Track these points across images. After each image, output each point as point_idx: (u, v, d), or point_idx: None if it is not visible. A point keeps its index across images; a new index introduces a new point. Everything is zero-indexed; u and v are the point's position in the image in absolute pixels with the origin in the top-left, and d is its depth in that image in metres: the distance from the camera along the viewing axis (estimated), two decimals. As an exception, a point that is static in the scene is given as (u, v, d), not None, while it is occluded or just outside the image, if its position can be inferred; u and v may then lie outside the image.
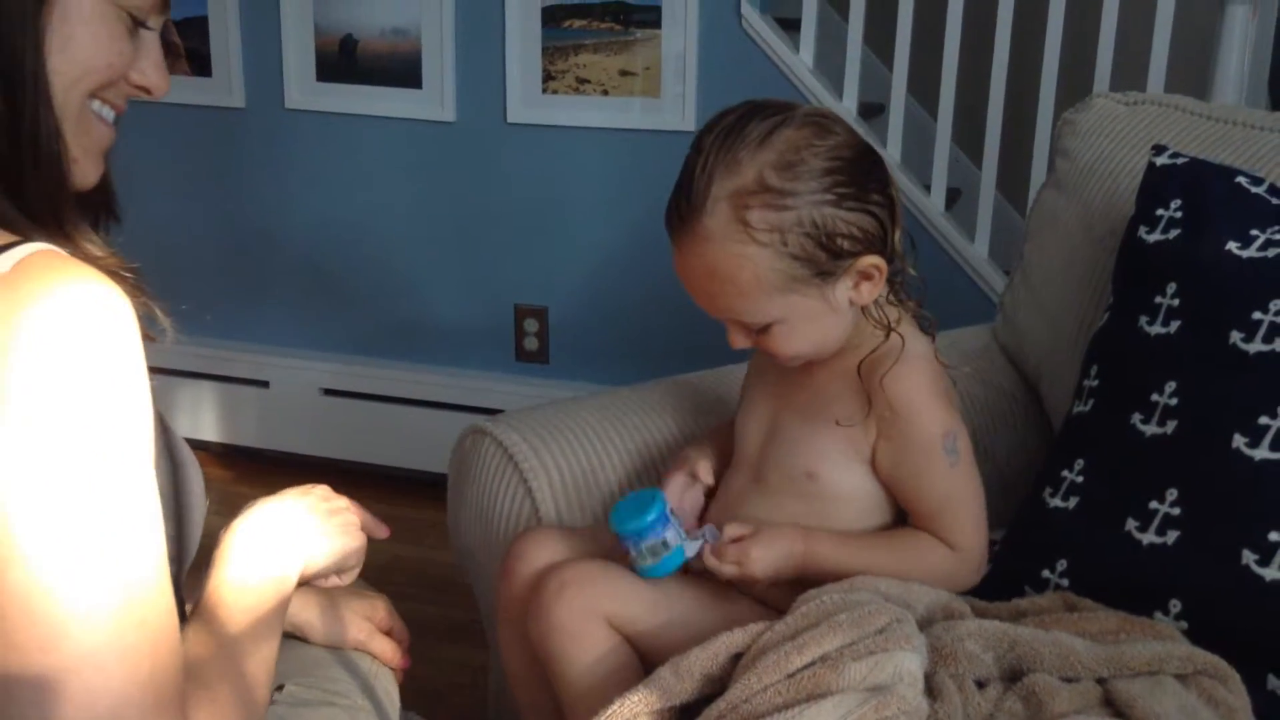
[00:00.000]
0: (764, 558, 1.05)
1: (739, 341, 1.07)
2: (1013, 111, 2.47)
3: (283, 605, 0.90)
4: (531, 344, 2.83)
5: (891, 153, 2.55)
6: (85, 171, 0.82)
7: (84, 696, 0.66)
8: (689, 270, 1.04)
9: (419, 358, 2.87)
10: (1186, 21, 2.39)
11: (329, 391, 2.91)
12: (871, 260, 1.04)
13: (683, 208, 1.02)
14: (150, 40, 0.83)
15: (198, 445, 3.04)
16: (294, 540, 0.93)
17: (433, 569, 2.53)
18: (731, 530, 1.07)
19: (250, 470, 2.99)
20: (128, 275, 0.80)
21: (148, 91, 0.84)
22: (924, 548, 1.08)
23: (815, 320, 1.06)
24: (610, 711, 0.94)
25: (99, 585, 0.67)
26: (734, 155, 1.00)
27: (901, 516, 1.13)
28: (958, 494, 1.09)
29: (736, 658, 0.95)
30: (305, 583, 0.98)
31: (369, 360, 2.90)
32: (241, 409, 2.98)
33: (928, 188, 2.55)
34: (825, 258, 1.02)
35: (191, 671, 0.77)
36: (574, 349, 2.79)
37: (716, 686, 0.94)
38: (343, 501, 1.02)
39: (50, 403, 0.66)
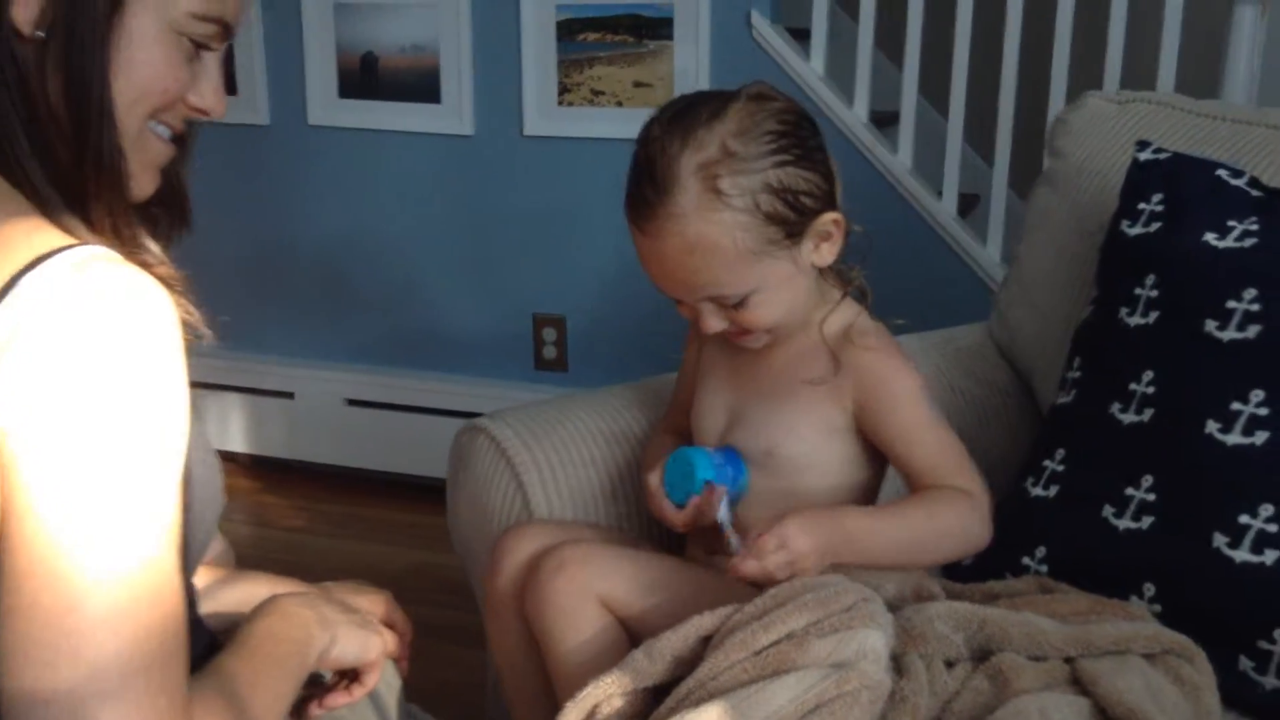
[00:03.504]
0: (807, 543, 1.00)
1: (713, 325, 1.09)
2: (1026, 115, 2.48)
3: (303, 666, 0.92)
4: (550, 353, 2.86)
5: (903, 159, 2.57)
6: (141, 185, 0.86)
7: (97, 659, 0.69)
8: (664, 255, 1.05)
9: (440, 367, 2.92)
10: (1197, 21, 2.39)
11: (353, 402, 2.96)
12: (832, 216, 1.08)
13: (649, 193, 1.04)
14: (210, 65, 0.87)
15: (225, 457, 3.07)
16: (322, 618, 0.95)
17: (452, 574, 2.56)
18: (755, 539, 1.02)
19: (277, 481, 3.04)
20: (176, 284, 0.84)
21: (205, 114, 0.88)
22: (949, 497, 1.07)
23: (788, 284, 1.08)
24: (584, 694, 0.96)
25: (118, 555, 0.71)
26: (692, 132, 1.03)
27: (871, 486, 1.15)
28: (950, 441, 1.10)
29: (707, 640, 0.97)
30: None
31: (391, 370, 2.95)
32: (267, 420, 3.04)
33: (941, 194, 2.57)
34: (794, 216, 1.05)
35: (201, 682, 0.80)
36: (592, 357, 2.83)
37: (687, 668, 0.95)
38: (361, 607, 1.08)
39: (91, 387, 0.70)
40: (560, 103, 2.71)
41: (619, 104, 2.67)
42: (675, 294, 1.09)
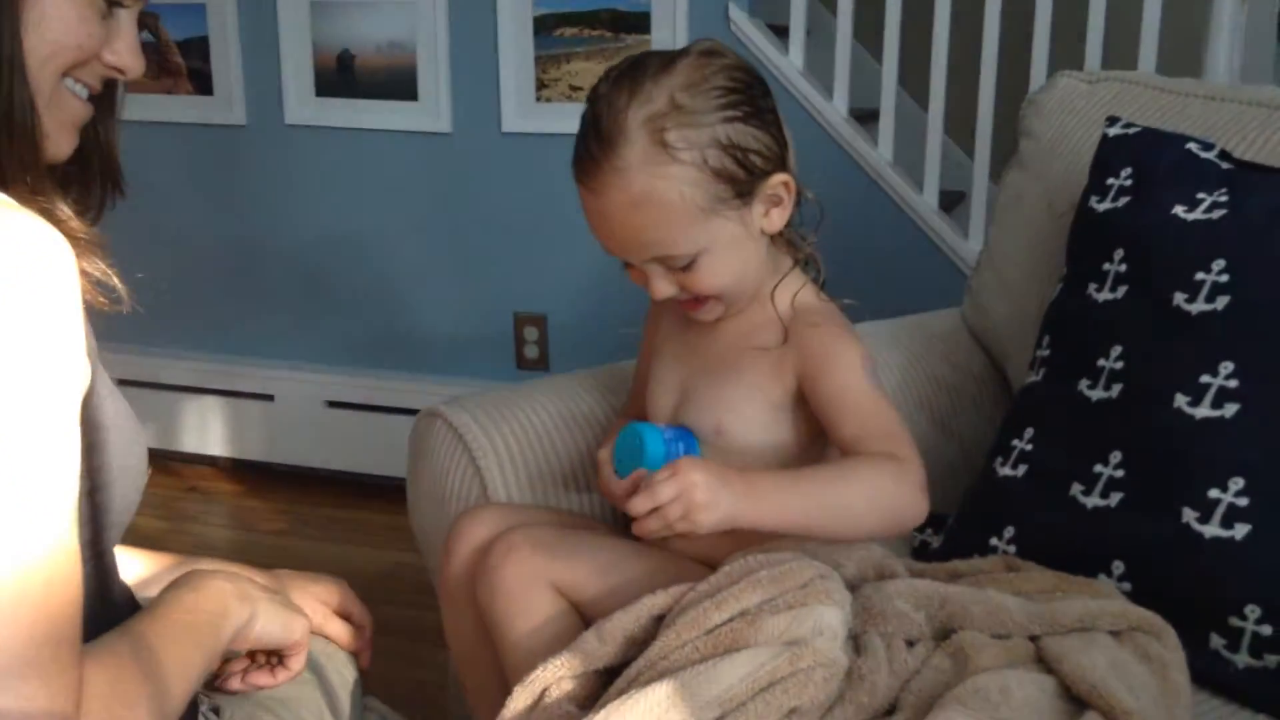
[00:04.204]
0: (699, 476, 0.93)
1: (663, 289, 1.06)
2: (1008, 108, 2.46)
3: (217, 637, 0.89)
4: (532, 352, 2.84)
5: (883, 153, 2.55)
6: (58, 145, 0.84)
7: None
8: (609, 211, 1.03)
9: (421, 368, 2.89)
10: (1177, 11, 2.37)
11: (333, 404, 2.93)
12: (782, 178, 1.05)
13: (594, 147, 1.01)
14: (125, 22, 0.85)
15: (205, 460, 3.08)
16: (242, 593, 0.93)
17: (433, 576, 2.55)
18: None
19: (258, 484, 3.02)
20: (94, 243, 0.82)
21: (121, 71, 0.86)
22: (873, 460, 1.01)
23: (737, 247, 1.06)
24: (533, 676, 0.93)
25: (9, 546, 0.66)
26: (640, 86, 1.01)
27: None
28: (884, 410, 1.06)
29: (660, 619, 0.95)
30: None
31: (371, 372, 2.92)
32: (248, 423, 3.01)
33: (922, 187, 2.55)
34: (743, 175, 1.03)
35: (104, 641, 0.78)
36: (574, 355, 2.80)
37: (639, 649, 0.93)
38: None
39: None
40: (538, 99, 2.69)
41: (597, 99, 2.64)
42: (623, 255, 1.07)
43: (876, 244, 2.52)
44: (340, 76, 2.81)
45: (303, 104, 2.84)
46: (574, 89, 2.66)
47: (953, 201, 2.83)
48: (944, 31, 2.46)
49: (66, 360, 0.71)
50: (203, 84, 2.90)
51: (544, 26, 2.65)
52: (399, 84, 2.76)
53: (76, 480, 0.72)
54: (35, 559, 0.68)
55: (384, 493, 2.87)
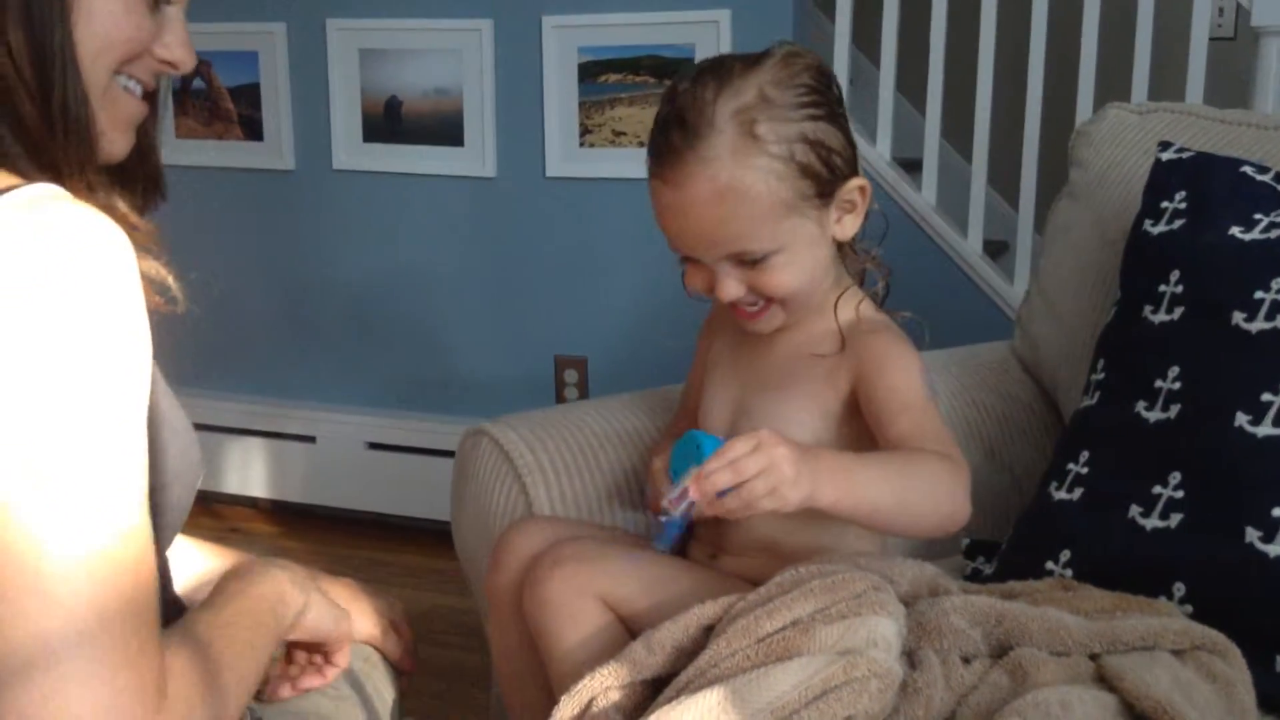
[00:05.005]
0: (783, 450, 0.90)
1: (730, 290, 1.05)
2: (1051, 157, 2.45)
3: (278, 622, 0.90)
4: (572, 394, 2.83)
5: (927, 197, 2.55)
6: (114, 143, 0.84)
7: (68, 643, 0.66)
8: (689, 205, 1.01)
9: (461, 410, 2.89)
10: (1222, 53, 2.37)
11: (374, 445, 2.94)
12: (858, 182, 1.05)
13: (678, 139, 1.00)
14: (175, 17, 0.86)
15: (246, 502, 3.09)
16: (297, 580, 0.94)
17: (472, 619, 2.53)
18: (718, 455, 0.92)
19: (298, 526, 3.02)
20: (152, 242, 0.82)
21: (174, 66, 0.86)
22: (929, 453, 1.00)
23: (812, 249, 1.05)
24: (580, 686, 0.92)
25: (87, 533, 0.67)
26: (728, 80, 1.01)
27: None
28: (937, 418, 1.05)
29: (709, 630, 0.93)
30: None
31: (413, 414, 2.93)
32: (289, 465, 3.02)
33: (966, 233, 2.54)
34: (826, 174, 1.03)
35: (178, 632, 0.78)
36: (614, 399, 2.80)
37: (688, 659, 0.91)
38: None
39: (44, 336, 0.66)
40: (582, 144, 2.71)
41: (640, 144, 2.66)
42: (695, 251, 1.05)
43: (921, 287, 2.48)
44: (387, 123, 2.84)
45: (350, 150, 2.88)
46: (617, 134, 2.68)
47: (996, 250, 2.82)
48: (986, 87, 2.47)
49: (137, 348, 0.72)
50: (253, 130, 2.95)
51: (588, 73, 2.68)
52: (445, 130, 2.79)
53: (146, 466, 0.72)
54: (110, 540, 0.68)
55: (423, 535, 2.86)
